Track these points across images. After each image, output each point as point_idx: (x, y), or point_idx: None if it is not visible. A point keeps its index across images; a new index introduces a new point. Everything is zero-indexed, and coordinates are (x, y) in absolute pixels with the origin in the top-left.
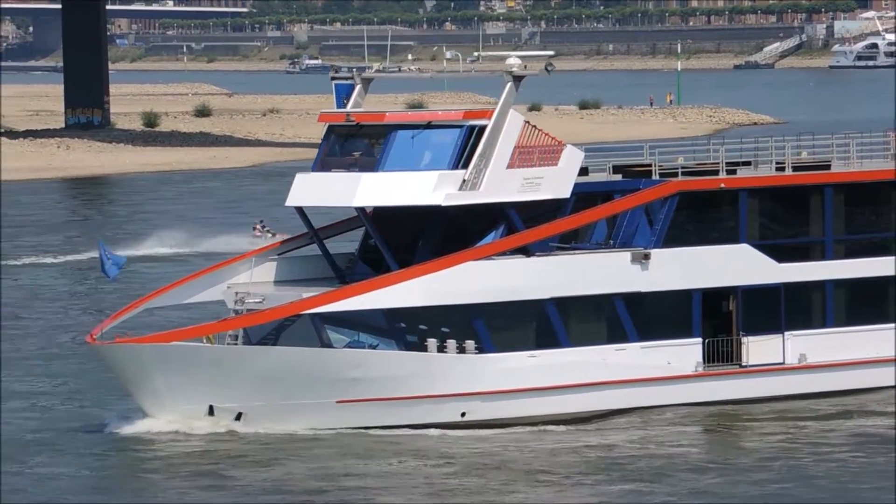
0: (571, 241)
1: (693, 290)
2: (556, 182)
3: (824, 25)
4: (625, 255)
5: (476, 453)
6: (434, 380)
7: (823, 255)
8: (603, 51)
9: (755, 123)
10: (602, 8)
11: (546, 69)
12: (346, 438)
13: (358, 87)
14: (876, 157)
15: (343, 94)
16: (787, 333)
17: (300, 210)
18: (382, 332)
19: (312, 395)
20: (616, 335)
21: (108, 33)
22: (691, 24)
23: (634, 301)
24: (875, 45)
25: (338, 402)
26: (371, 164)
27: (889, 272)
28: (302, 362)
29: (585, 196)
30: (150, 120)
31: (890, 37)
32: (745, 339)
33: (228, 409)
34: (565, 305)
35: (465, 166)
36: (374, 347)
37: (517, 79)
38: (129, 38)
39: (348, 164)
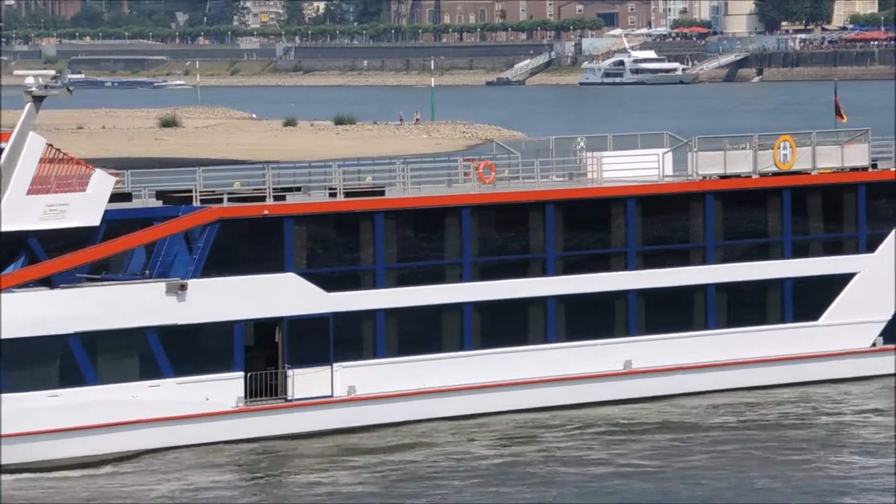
0: (103, 272)
1: (234, 321)
2: (83, 209)
3: (573, 43)
4: (159, 286)
5: None
6: None
7: (375, 284)
8: (357, 67)
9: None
10: (356, 24)
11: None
12: None
13: None
14: (439, 183)
15: None
16: (335, 365)
17: None
18: None
19: None
20: (149, 371)
21: None
22: (444, 41)
23: (170, 334)
24: (622, 63)
25: None
26: None
27: (440, 300)
28: None
29: (122, 224)
30: None
31: (636, 54)
32: (290, 372)
33: None
34: (92, 340)
35: None
36: None
37: (37, 99)
38: None
39: None
